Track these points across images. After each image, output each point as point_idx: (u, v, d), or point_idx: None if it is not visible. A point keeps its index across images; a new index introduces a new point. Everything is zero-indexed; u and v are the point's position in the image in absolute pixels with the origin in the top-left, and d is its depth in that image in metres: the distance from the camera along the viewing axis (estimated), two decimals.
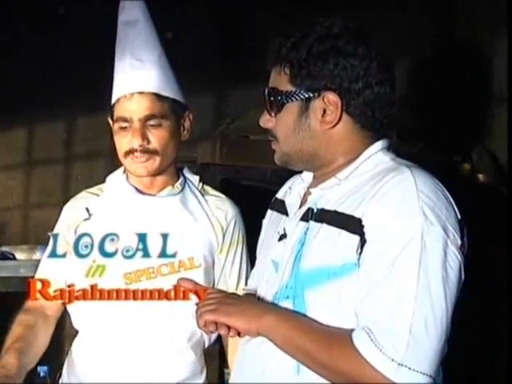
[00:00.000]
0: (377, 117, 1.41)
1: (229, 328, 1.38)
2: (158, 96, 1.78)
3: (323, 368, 1.29)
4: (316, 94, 1.39)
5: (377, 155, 1.41)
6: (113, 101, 1.81)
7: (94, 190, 1.93)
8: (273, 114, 1.46)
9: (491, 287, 2.24)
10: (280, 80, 1.43)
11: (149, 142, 1.77)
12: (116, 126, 1.79)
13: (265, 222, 1.69)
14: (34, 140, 4.57)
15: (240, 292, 1.85)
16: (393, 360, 1.19)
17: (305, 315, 1.35)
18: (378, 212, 1.27)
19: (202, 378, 1.87)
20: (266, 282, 1.51)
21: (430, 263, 1.22)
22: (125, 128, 1.77)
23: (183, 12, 3.62)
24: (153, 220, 1.81)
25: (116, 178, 1.90)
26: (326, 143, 1.42)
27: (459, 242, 1.28)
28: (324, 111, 1.39)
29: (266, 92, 1.45)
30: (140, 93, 1.76)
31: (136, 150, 1.76)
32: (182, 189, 1.87)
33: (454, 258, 1.25)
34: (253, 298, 1.55)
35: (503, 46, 2.48)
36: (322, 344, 1.29)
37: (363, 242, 1.27)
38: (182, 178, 1.89)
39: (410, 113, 2.78)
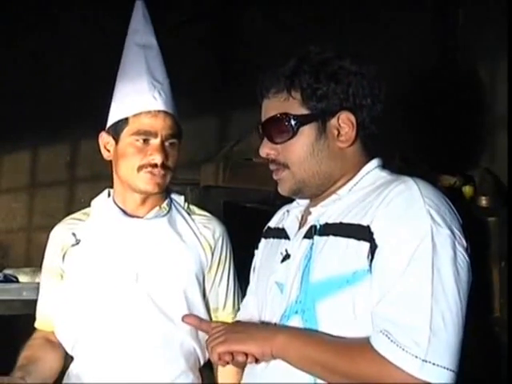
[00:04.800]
0: (376, 133, 1.47)
1: (246, 355, 1.37)
2: (175, 118, 1.82)
3: (345, 377, 1.28)
4: (332, 114, 1.42)
5: (374, 171, 1.46)
6: (126, 114, 1.80)
7: (78, 215, 1.94)
8: (278, 141, 1.46)
9: (493, 308, 2.24)
10: (289, 105, 1.44)
11: (167, 159, 1.79)
12: (130, 139, 1.79)
13: (258, 251, 1.69)
14: (38, 163, 4.60)
15: (228, 310, 1.88)
16: (416, 357, 1.20)
17: (316, 329, 1.35)
18: (387, 217, 1.30)
19: None
20: (271, 304, 1.50)
21: (441, 262, 1.25)
22: (142, 142, 1.78)
23: (186, 37, 3.65)
24: (142, 243, 1.82)
25: (101, 201, 1.91)
26: (342, 162, 1.45)
27: (465, 244, 1.31)
28: (338, 130, 1.43)
29: (276, 119, 1.45)
30: (165, 112, 1.80)
31: (156, 166, 1.77)
32: (169, 210, 1.88)
33: (463, 258, 1.28)
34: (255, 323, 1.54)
35: (503, 68, 2.49)
36: (341, 353, 1.29)
37: (374, 247, 1.30)
38: (168, 199, 1.89)
39: (412, 136, 2.79)
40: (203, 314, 1.82)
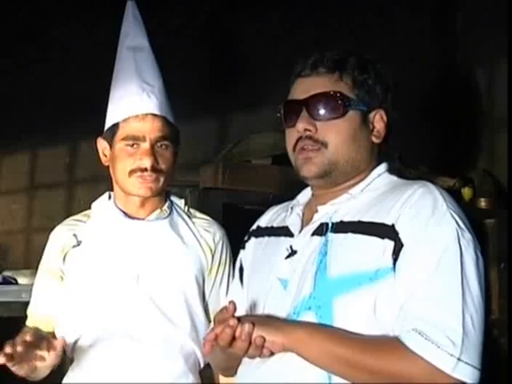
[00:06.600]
0: (389, 141, 1.52)
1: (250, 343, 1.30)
2: (166, 120, 1.82)
3: (371, 374, 1.28)
4: (373, 109, 1.48)
5: (385, 174, 1.50)
6: (116, 120, 1.81)
7: (79, 216, 1.93)
8: (323, 118, 1.45)
9: (492, 309, 2.24)
10: (341, 87, 1.46)
11: (158, 163, 1.79)
12: (121, 145, 1.80)
13: (247, 251, 1.65)
14: (37, 165, 4.60)
15: None
16: (451, 355, 1.22)
17: (330, 325, 1.34)
18: (413, 217, 1.33)
19: None
20: (272, 301, 1.47)
21: (467, 264, 1.29)
22: (132, 147, 1.78)
23: (183, 38, 3.66)
24: (143, 244, 1.82)
25: (102, 203, 1.91)
26: (370, 156, 1.50)
27: (480, 249, 1.35)
28: (373, 126, 1.48)
29: (329, 95, 1.45)
30: (153, 115, 1.79)
31: (146, 169, 1.77)
32: (170, 212, 1.88)
33: (481, 263, 1.32)
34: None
35: (503, 70, 2.50)
36: (368, 349, 1.29)
37: (399, 246, 1.31)
38: (168, 202, 1.90)
39: (412, 137, 2.79)
40: (202, 317, 1.82)
